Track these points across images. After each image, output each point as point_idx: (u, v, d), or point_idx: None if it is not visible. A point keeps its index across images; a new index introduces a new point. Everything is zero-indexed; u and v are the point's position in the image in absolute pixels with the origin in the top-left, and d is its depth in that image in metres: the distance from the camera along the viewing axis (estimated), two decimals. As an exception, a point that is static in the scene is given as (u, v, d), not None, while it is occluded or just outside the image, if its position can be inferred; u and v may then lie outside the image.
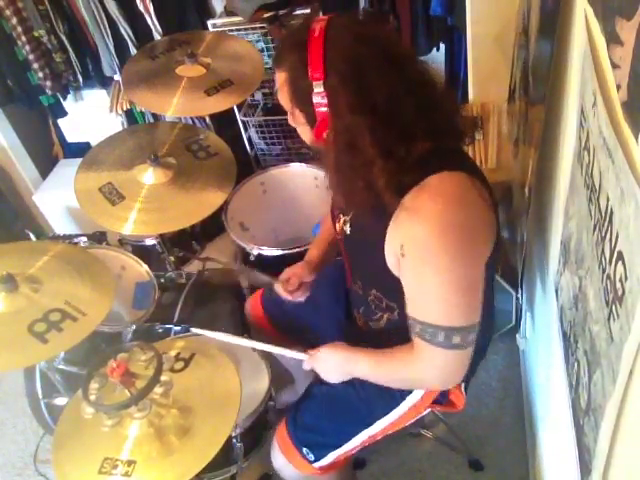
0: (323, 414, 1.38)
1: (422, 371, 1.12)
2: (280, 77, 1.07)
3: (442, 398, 1.34)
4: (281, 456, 1.38)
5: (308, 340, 1.57)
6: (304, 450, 1.36)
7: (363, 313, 1.35)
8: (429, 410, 1.38)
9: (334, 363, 1.28)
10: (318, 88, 0.99)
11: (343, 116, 0.99)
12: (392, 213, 1.04)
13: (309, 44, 0.99)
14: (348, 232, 1.21)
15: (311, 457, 1.36)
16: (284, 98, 1.08)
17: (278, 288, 1.49)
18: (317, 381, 1.43)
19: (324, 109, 1.01)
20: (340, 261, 1.42)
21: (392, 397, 1.33)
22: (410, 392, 1.31)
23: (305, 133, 1.11)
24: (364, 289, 1.28)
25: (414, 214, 1.00)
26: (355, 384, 1.33)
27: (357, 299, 1.36)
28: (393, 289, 1.12)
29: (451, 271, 1.01)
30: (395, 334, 1.19)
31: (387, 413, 1.33)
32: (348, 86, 0.98)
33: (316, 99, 1.01)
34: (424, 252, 1.01)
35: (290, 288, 1.47)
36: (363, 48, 0.99)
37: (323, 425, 1.37)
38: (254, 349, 1.60)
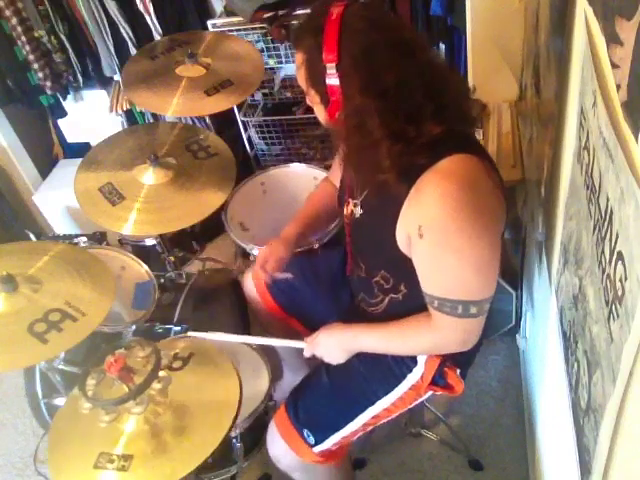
0: (324, 396, 1.38)
1: (442, 338, 1.19)
2: (298, 58, 1.11)
3: (441, 380, 1.35)
4: (280, 441, 1.37)
5: (312, 318, 1.59)
6: (305, 432, 1.35)
7: (363, 299, 1.38)
8: (430, 393, 1.38)
9: (334, 344, 1.32)
10: (331, 70, 1.04)
11: (353, 98, 1.04)
12: (406, 194, 1.08)
13: (326, 27, 1.03)
14: (358, 215, 1.24)
15: (311, 440, 1.35)
16: (301, 78, 1.13)
17: (259, 271, 1.49)
18: (316, 366, 1.43)
19: (336, 91, 1.06)
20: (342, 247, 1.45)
21: (393, 375, 1.34)
22: (410, 371, 1.33)
23: (320, 112, 1.16)
24: (369, 272, 1.30)
25: (430, 194, 1.04)
26: (355, 365, 1.35)
27: (358, 285, 1.39)
28: (402, 268, 1.17)
29: (469, 250, 1.06)
30: (396, 317, 1.24)
31: (388, 392, 1.34)
32: (360, 70, 1.02)
33: (329, 81, 1.05)
34: (442, 232, 1.05)
35: (269, 268, 1.47)
36: (377, 34, 1.03)
37: (324, 406, 1.37)
38: (251, 345, 1.61)
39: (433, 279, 1.13)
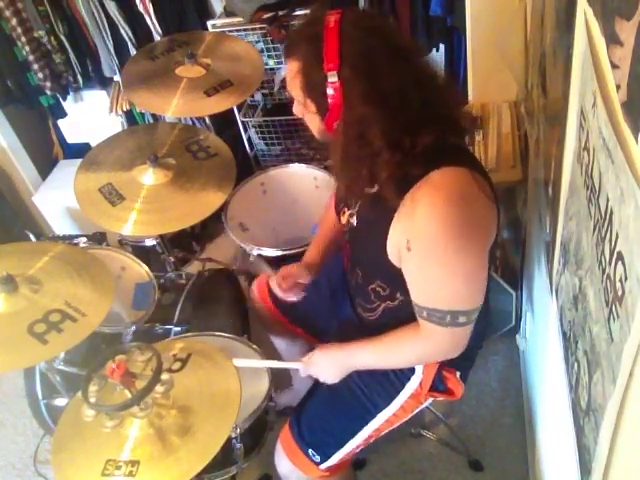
0: (326, 413, 1.39)
1: (430, 346, 1.19)
2: (293, 66, 1.08)
3: (440, 385, 1.35)
4: (286, 460, 1.38)
5: (313, 325, 1.58)
6: (310, 452, 1.36)
7: (359, 304, 1.38)
8: (431, 400, 1.39)
9: (330, 364, 1.32)
10: (332, 78, 1.02)
11: (355, 107, 1.02)
12: (397, 206, 1.07)
13: (325, 35, 1.01)
14: (355, 224, 1.24)
15: (317, 459, 1.36)
16: (295, 88, 1.09)
17: (273, 284, 1.49)
18: (317, 382, 1.44)
19: (337, 100, 1.03)
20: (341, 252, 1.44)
21: (392, 386, 1.34)
22: (408, 379, 1.33)
23: (314, 123, 1.13)
24: (365, 279, 1.30)
25: (418, 208, 1.03)
26: (354, 379, 1.35)
27: (356, 290, 1.39)
28: (396, 279, 1.16)
29: (456, 263, 1.06)
30: (390, 324, 1.24)
31: (389, 403, 1.34)
32: (361, 77, 1.01)
33: (329, 90, 1.03)
34: (430, 246, 1.04)
35: (284, 287, 1.47)
36: (374, 40, 1.02)
37: (327, 424, 1.37)
38: (251, 346, 1.61)
39: (422, 291, 1.13)
